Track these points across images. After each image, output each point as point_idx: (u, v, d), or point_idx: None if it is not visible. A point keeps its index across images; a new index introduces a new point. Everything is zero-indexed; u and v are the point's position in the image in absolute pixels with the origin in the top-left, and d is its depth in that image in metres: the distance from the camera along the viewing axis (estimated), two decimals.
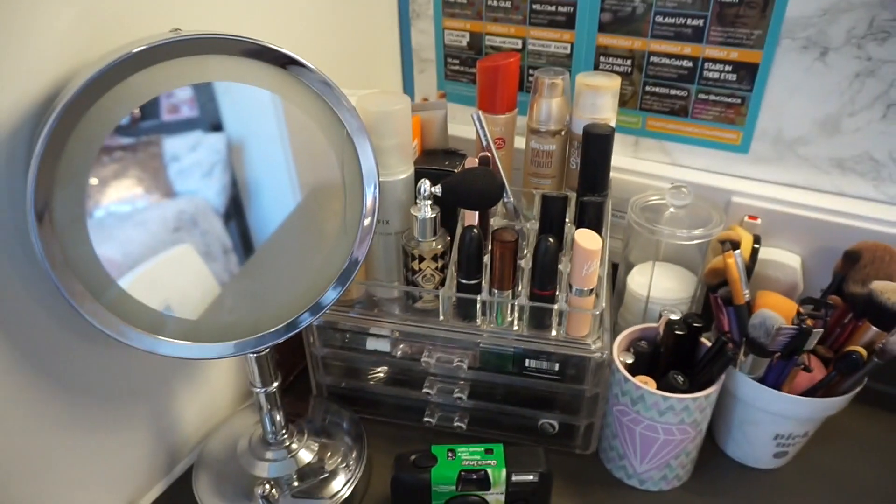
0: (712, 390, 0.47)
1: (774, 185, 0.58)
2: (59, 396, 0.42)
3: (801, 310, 0.47)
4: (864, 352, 0.46)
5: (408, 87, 0.72)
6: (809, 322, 0.45)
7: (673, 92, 0.59)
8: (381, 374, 0.58)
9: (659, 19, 0.56)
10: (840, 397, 0.48)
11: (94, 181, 0.33)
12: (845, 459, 0.54)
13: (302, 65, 0.38)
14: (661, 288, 0.57)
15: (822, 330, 0.45)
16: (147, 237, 0.36)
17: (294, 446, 0.51)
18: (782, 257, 0.57)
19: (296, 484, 0.49)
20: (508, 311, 0.50)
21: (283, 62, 0.37)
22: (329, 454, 0.52)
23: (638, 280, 0.59)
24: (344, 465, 0.51)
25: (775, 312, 0.45)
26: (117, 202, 0.35)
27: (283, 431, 0.50)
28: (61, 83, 0.35)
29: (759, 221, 0.56)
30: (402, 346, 0.54)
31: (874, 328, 0.46)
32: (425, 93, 0.72)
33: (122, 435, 0.47)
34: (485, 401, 0.55)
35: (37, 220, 0.32)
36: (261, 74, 0.37)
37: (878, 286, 0.46)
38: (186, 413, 0.53)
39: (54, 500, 0.44)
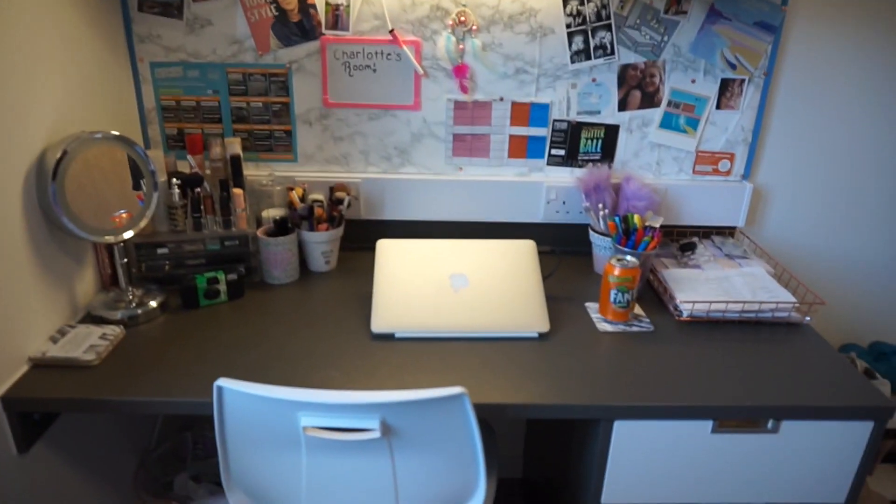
0: (287, 237, 1.38)
1: (310, 171, 1.55)
2: (38, 253, 1.15)
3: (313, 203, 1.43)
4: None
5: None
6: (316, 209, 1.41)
7: (266, 142, 1.52)
8: (166, 265, 1.37)
9: (255, 117, 1.49)
10: (321, 232, 1.44)
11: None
12: (355, 262, 1.52)
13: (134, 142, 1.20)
14: (271, 212, 1.47)
15: (320, 209, 1.41)
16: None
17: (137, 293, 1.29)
18: (316, 196, 1.53)
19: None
20: (214, 223, 1.36)
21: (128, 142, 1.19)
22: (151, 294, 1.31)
23: (268, 212, 1.49)
24: (160, 297, 1.31)
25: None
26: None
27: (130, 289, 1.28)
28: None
29: (307, 185, 1.51)
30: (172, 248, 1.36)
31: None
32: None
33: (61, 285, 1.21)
34: (214, 262, 1.38)
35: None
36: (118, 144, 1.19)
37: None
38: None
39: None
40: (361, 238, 1.57)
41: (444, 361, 1.13)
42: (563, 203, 1.57)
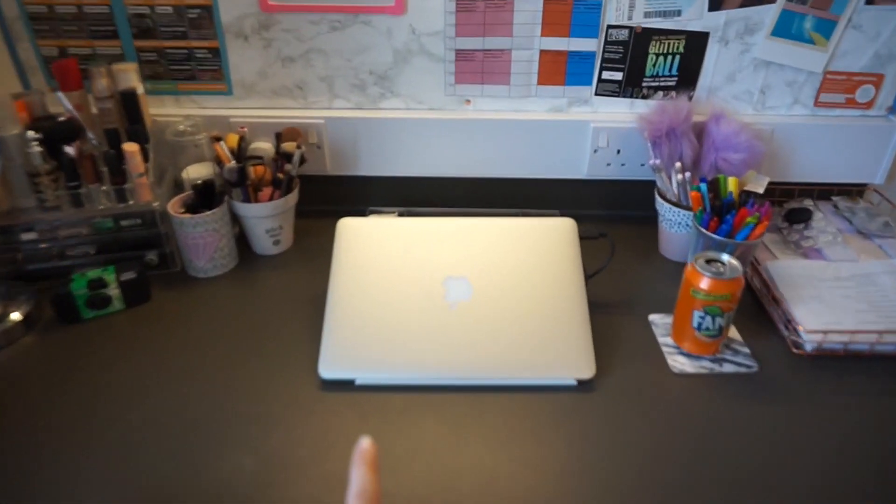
0: (212, 213, 0.94)
1: (252, 109, 1.08)
2: None
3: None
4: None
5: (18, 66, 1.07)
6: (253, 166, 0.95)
7: (185, 67, 1.05)
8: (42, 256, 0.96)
9: (164, 29, 1.02)
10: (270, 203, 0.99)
11: None
12: (316, 237, 1.08)
13: None
14: (194, 172, 1.02)
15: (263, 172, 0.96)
16: None
17: None
18: (260, 145, 1.07)
19: None
20: (102, 195, 0.93)
21: None
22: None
23: (189, 171, 1.04)
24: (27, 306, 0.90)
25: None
26: None
27: None
28: None
29: (246, 129, 1.05)
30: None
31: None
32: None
33: None
34: (110, 249, 0.96)
35: None
36: None
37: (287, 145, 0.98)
38: None
39: None
40: (327, 199, 1.12)
41: (426, 435, 0.72)
42: (618, 152, 1.08)
